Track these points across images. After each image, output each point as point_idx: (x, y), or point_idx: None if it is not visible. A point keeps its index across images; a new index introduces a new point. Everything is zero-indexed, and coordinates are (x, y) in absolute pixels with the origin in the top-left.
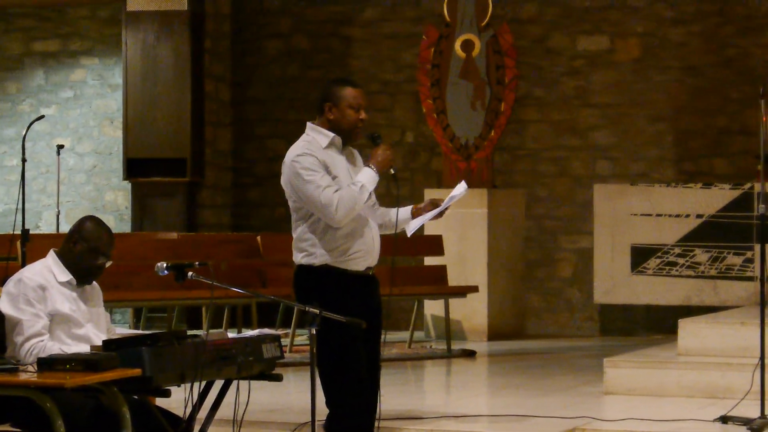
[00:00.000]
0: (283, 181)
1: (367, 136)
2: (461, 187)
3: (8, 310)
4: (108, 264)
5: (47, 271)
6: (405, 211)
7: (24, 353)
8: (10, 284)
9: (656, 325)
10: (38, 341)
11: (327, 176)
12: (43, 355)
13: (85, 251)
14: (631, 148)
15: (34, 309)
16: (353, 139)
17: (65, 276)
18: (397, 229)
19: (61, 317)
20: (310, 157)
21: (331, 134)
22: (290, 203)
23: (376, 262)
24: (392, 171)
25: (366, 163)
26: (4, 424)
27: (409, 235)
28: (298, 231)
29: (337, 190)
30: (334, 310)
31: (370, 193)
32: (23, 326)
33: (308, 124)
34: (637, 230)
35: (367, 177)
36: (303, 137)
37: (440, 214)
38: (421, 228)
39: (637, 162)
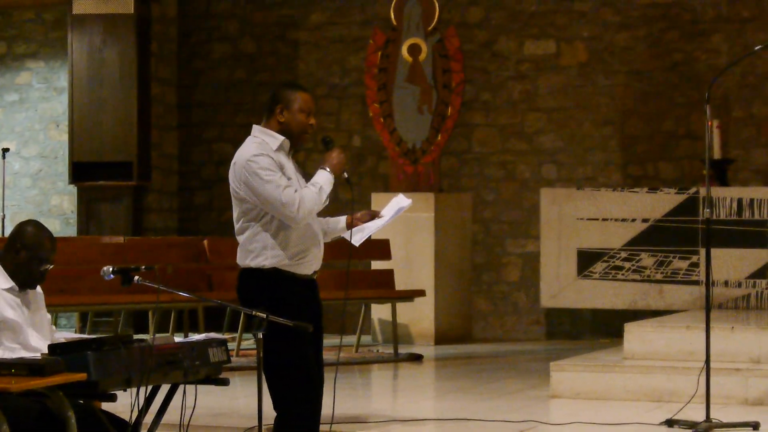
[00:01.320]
0: (233, 182)
1: (321, 140)
2: (405, 200)
3: None
4: (50, 268)
5: None
6: (340, 221)
7: None
8: None
9: (602, 328)
10: None
11: (284, 176)
12: None
13: (28, 259)
14: (577, 152)
15: None
16: (301, 143)
17: (7, 283)
18: (330, 238)
19: (5, 324)
20: (266, 157)
21: (281, 137)
22: (239, 206)
23: (320, 266)
24: (345, 175)
25: (320, 166)
26: None
27: (357, 245)
28: (247, 233)
29: (296, 190)
30: (283, 313)
31: (328, 196)
32: None
33: (255, 126)
34: (583, 234)
35: (324, 179)
36: (251, 139)
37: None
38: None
39: (583, 166)
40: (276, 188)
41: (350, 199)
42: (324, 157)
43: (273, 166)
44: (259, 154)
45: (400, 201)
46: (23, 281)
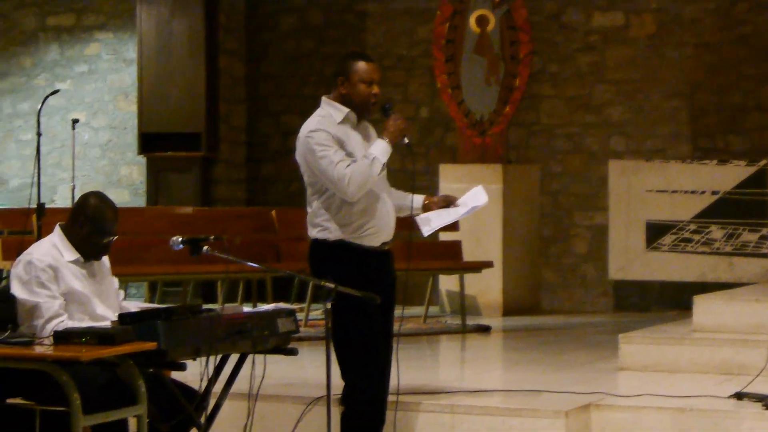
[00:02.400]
0: (297, 156)
1: (380, 108)
2: (482, 197)
3: (22, 294)
4: (114, 239)
5: (54, 249)
6: (418, 199)
7: (46, 335)
8: (20, 267)
9: (671, 301)
10: (59, 321)
11: (340, 151)
12: None
13: (90, 232)
14: (645, 124)
15: (49, 291)
16: (366, 114)
17: (72, 255)
18: (403, 214)
19: (73, 296)
20: (323, 132)
21: (346, 109)
22: (305, 178)
23: (391, 238)
24: (406, 141)
25: (379, 135)
26: (15, 397)
27: (425, 235)
28: (313, 206)
29: (349, 165)
30: (349, 284)
31: (383, 165)
32: (41, 309)
33: (323, 98)
34: (652, 207)
35: (379, 149)
36: (318, 112)
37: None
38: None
39: (652, 138)
40: (329, 164)
41: (413, 165)
42: (383, 125)
43: (328, 141)
44: (316, 130)
45: (478, 197)
46: (87, 253)
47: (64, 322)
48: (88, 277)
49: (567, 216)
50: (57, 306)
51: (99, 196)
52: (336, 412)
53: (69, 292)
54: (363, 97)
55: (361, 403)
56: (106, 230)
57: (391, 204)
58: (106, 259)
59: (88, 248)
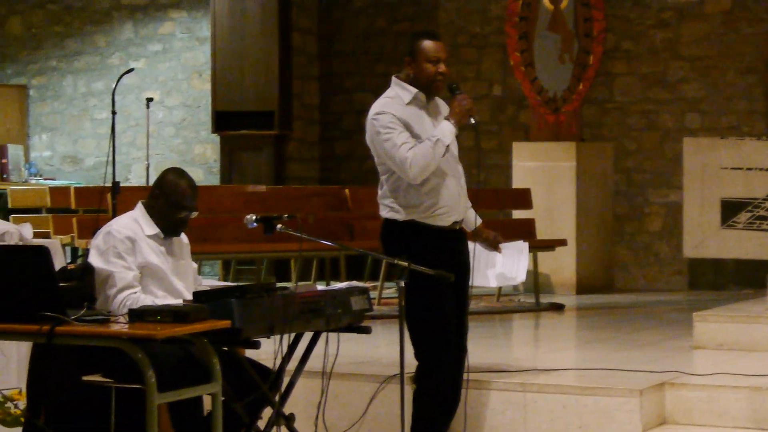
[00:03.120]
0: (366, 137)
1: (447, 88)
2: (524, 249)
3: (98, 264)
4: (193, 215)
5: (135, 223)
6: (476, 221)
7: (117, 305)
8: (99, 237)
9: (746, 279)
10: (131, 293)
11: (405, 133)
12: (135, 307)
13: (167, 206)
14: (720, 100)
15: (125, 261)
16: (434, 92)
17: (152, 229)
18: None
19: (149, 269)
20: (388, 115)
21: (414, 90)
22: (375, 159)
23: (462, 217)
24: (472, 121)
25: (446, 116)
26: (94, 374)
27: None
28: (384, 187)
29: (411, 147)
30: (420, 262)
31: (448, 146)
32: (114, 278)
33: (393, 77)
34: (727, 184)
35: (444, 130)
36: (386, 92)
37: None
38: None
39: (727, 115)
40: (392, 147)
41: (477, 145)
42: (450, 105)
43: (394, 123)
44: (381, 112)
45: (521, 249)
46: (165, 228)
47: (137, 295)
48: (166, 254)
49: (641, 194)
50: (130, 277)
51: (177, 172)
52: (409, 391)
53: (146, 264)
54: (429, 76)
55: (434, 383)
56: (183, 205)
57: (462, 183)
58: (186, 241)
59: (166, 223)
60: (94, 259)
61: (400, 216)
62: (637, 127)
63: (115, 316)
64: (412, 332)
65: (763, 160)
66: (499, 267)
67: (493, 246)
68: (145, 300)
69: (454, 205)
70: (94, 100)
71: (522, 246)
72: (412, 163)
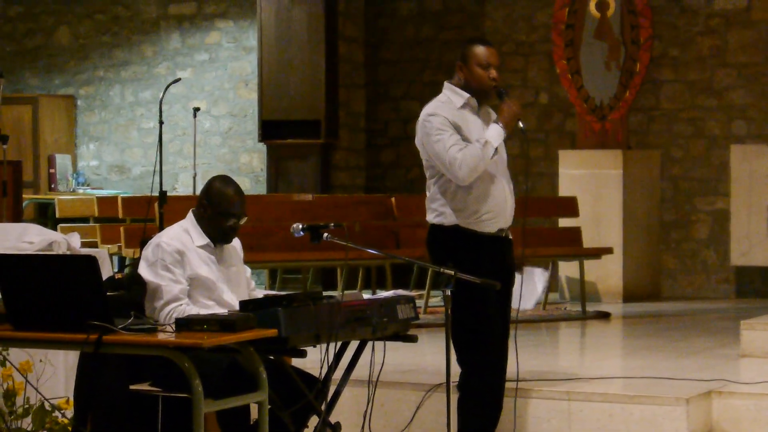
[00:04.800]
0: (416, 140)
1: (495, 92)
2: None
3: (148, 276)
4: (242, 222)
5: (185, 234)
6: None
7: (163, 317)
8: (149, 250)
9: None
10: (177, 305)
11: (456, 135)
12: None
13: (215, 215)
14: None
15: (172, 274)
16: (486, 98)
17: (202, 240)
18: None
19: (199, 281)
20: (440, 117)
21: (466, 95)
22: (423, 162)
23: (509, 224)
24: (521, 125)
25: (495, 119)
26: (143, 383)
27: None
28: (431, 191)
29: (461, 149)
30: (466, 269)
31: (496, 149)
32: (162, 291)
33: (445, 83)
34: None
35: (493, 133)
36: (438, 97)
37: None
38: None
39: None
40: (442, 148)
41: (526, 150)
42: (498, 110)
43: (445, 125)
44: (433, 114)
45: (542, 277)
46: (214, 237)
47: (183, 307)
48: (217, 263)
49: (688, 201)
50: (177, 290)
51: (223, 179)
52: (455, 399)
53: (195, 276)
54: (480, 82)
55: (477, 390)
56: (230, 212)
57: (510, 189)
58: (239, 246)
59: (215, 232)
60: (144, 271)
61: (447, 220)
62: (683, 135)
63: (157, 321)
64: (456, 339)
65: None
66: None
67: (517, 267)
68: (191, 311)
69: (500, 212)
70: (141, 109)
71: (544, 273)
72: (462, 164)
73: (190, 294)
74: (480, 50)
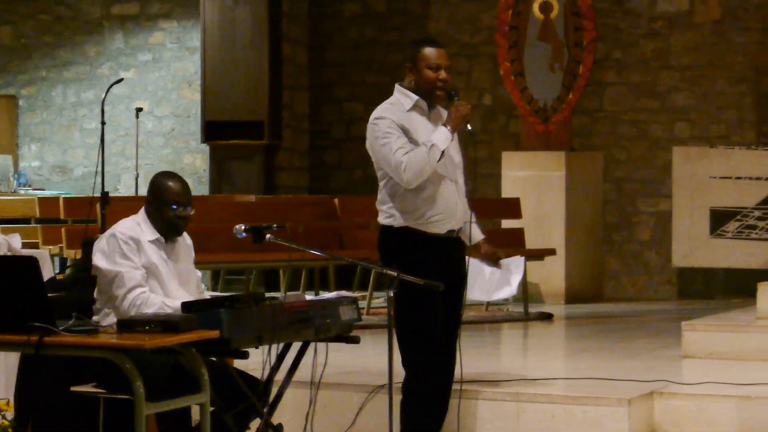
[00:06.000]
0: (366, 143)
1: (445, 94)
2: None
3: (104, 265)
4: (189, 212)
5: (138, 227)
6: (477, 233)
7: (127, 304)
8: (103, 241)
9: (735, 288)
10: (141, 292)
11: (402, 138)
12: (146, 306)
13: (159, 206)
14: (710, 110)
15: (131, 262)
16: (436, 99)
17: (153, 235)
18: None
19: (152, 270)
20: (387, 120)
21: (415, 97)
22: (375, 165)
23: (459, 225)
24: (469, 128)
25: (444, 122)
26: (85, 384)
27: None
28: (382, 193)
29: (407, 152)
30: (415, 271)
31: (443, 152)
32: (123, 278)
33: (396, 85)
34: (716, 193)
35: (440, 136)
36: (389, 99)
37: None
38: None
39: (716, 124)
40: (388, 151)
41: (474, 152)
42: (447, 112)
43: (392, 128)
44: (380, 117)
45: (518, 265)
46: (164, 230)
47: (146, 294)
48: (167, 259)
49: (630, 203)
50: (139, 276)
51: (165, 173)
52: (397, 400)
53: (149, 265)
54: (429, 83)
55: (420, 392)
56: (173, 200)
57: (462, 192)
58: (191, 245)
59: (163, 224)
60: (100, 262)
61: (396, 222)
62: (626, 137)
63: (104, 326)
64: (401, 340)
65: (752, 169)
66: (490, 280)
67: (494, 261)
68: (156, 300)
69: (450, 213)
70: (83, 110)
71: (519, 261)
72: (407, 168)
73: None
74: (429, 52)
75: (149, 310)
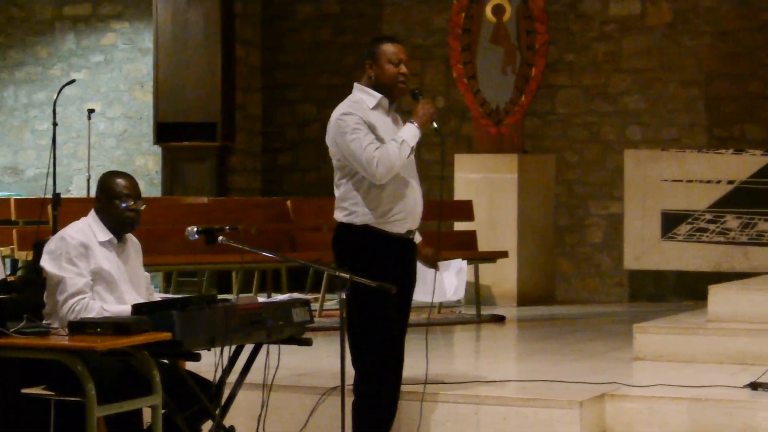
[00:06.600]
0: (327, 139)
1: (410, 93)
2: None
3: (51, 269)
4: (140, 206)
5: (88, 229)
6: (416, 237)
7: (66, 311)
8: (52, 243)
9: (686, 291)
10: (80, 299)
11: (370, 134)
12: (84, 313)
13: (109, 202)
14: (662, 113)
15: (77, 268)
16: (397, 94)
17: (105, 235)
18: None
19: (102, 275)
20: (355, 116)
21: (378, 95)
22: (334, 162)
23: (417, 226)
24: (435, 125)
25: (408, 119)
26: (38, 386)
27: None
28: (342, 190)
29: (378, 148)
30: (371, 270)
31: (412, 149)
32: (66, 284)
33: (355, 84)
34: (667, 196)
35: (409, 132)
36: (350, 97)
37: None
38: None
39: (668, 127)
40: (358, 147)
41: (441, 146)
42: (412, 110)
43: (360, 125)
44: (348, 113)
45: (460, 268)
46: (116, 226)
47: (86, 300)
48: (118, 261)
49: (582, 205)
50: (81, 284)
51: (112, 171)
52: (349, 403)
53: (98, 270)
54: (391, 78)
55: (372, 394)
56: (122, 194)
57: (420, 191)
58: (139, 247)
59: (114, 221)
60: (47, 264)
61: (357, 219)
62: (579, 139)
63: (58, 328)
64: (353, 342)
65: (703, 172)
66: (438, 283)
67: (432, 263)
68: (95, 306)
69: (411, 213)
70: (35, 111)
71: (461, 265)
72: (379, 163)
73: (93, 288)
74: (389, 47)
75: (88, 316)
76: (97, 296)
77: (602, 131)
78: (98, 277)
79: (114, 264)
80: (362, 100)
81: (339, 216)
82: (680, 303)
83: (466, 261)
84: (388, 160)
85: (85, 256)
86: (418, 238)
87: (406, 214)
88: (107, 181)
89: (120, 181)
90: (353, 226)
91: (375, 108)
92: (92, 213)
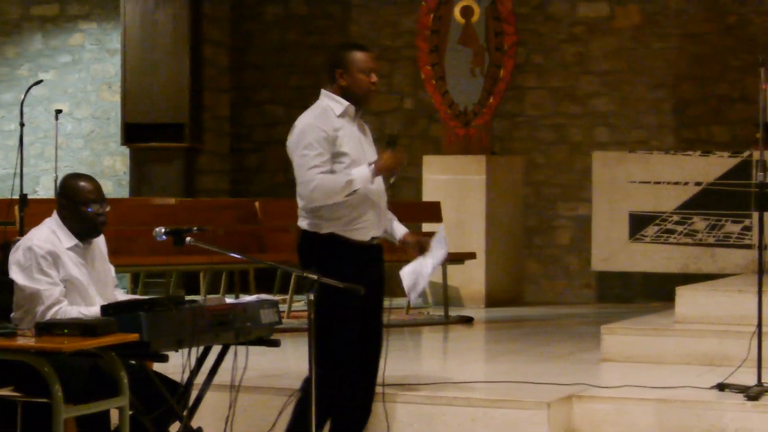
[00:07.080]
0: (288, 141)
1: (387, 138)
2: (443, 243)
3: (22, 281)
4: (105, 209)
5: (53, 235)
6: (400, 230)
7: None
8: (20, 253)
9: (654, 292)
10: (59, 308)
11: (323, 156)
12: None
13: (74, 208)
14: (630, 115)
15: (50, 278)
16: (367, 103)
17: (70, 241)
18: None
19: (72, 284)
20: (317, 131)
21: (345, 102)
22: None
23: (381, 232)
24: (392, 180)
25: (372, 162)
26: (5, 387)
27: (411, 300)
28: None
29: (322, 172)
30: (337, 277)
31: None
32: (42, 296)
33: (322, 90)
34: (635, 198)
35: (361, 174)
36: (317, 103)
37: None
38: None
39: (636, 129)
40: (304, 164)
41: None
42: (380, 155)
43: (318, 143)
44: (311, 126)
45: (441, 243)
46: (82, 232)
47: (63, 308)
48: (86, 264)
49: (550, 207)
50: (57, 293)
51: (72, 174)
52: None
53: (68, 279)
54: (363, 87)
55: (323, 394)
56: (88, 199)
57: (384, 198)
58: (103, 243)
59: (80, 226)
60: (17, 276)
61: (321, 228)
62: (547, 141)
63: (22, 329)
64: (317, 342)
65: (671, 174)
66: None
67: (423, 248)
68: (72, 312)
69: (375, 221)
70: (2, 111)
71: (440, 236)
72: (315, 189)
73: (64, 295)
74: (360, 56)
75: None
76: (71, 302)
77: (570, 133)
78: (69, 284)
79: (82, 269)
80: (329, 107)
81: (303, 224)
82: (648, 304)
83: (442, 225)
84: (325, 190)
85: (54, 265)
86: (403, 230)
87: (370, 223)
88: (70, 185)
89: (84, 185)
90: (318, 235)
91: (341, 116)
92: (55, 218)
